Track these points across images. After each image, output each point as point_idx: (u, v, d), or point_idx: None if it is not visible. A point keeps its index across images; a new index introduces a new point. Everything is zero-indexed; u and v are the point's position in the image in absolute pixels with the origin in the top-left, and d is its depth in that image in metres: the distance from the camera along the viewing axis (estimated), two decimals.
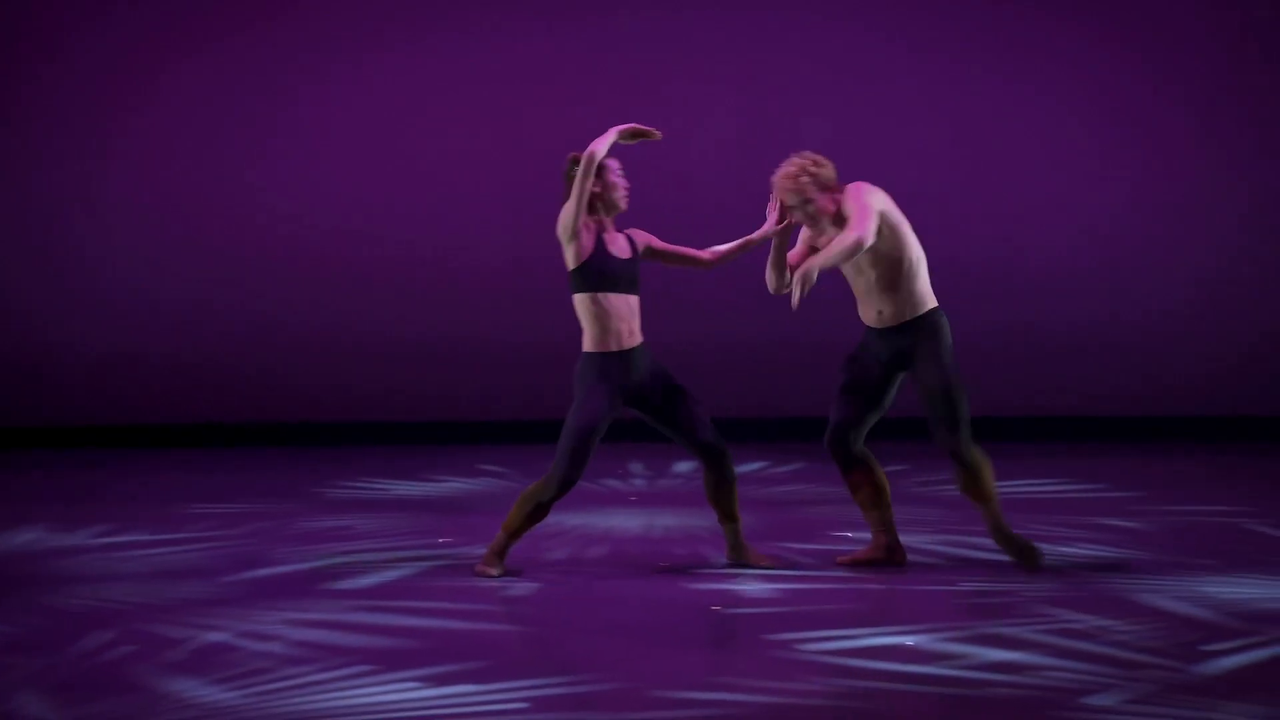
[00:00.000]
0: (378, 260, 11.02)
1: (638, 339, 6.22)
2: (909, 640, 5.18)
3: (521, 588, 6.07)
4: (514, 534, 6.24)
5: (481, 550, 6.40)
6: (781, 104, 11.01)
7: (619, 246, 6.22)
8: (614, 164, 6.23)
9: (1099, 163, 11.06)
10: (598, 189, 6.16)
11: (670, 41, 11.04)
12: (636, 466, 9.46)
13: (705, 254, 6.40)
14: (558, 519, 7.59)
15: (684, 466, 9.45)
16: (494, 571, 6.20)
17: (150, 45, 11.02)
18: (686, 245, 6.44)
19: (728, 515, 6.36)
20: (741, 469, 9.33)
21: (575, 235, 6.14)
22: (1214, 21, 10.98)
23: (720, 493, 6.31)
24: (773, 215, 6.29)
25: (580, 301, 6.19)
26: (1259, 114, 11.01)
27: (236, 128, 11.02)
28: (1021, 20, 11.01)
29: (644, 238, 6.34)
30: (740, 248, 6.40)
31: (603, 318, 6.15)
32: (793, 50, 11.04)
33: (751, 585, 6.08)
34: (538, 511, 6.20)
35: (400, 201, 11.05)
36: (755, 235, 6.35)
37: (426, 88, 11.05)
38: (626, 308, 6.17)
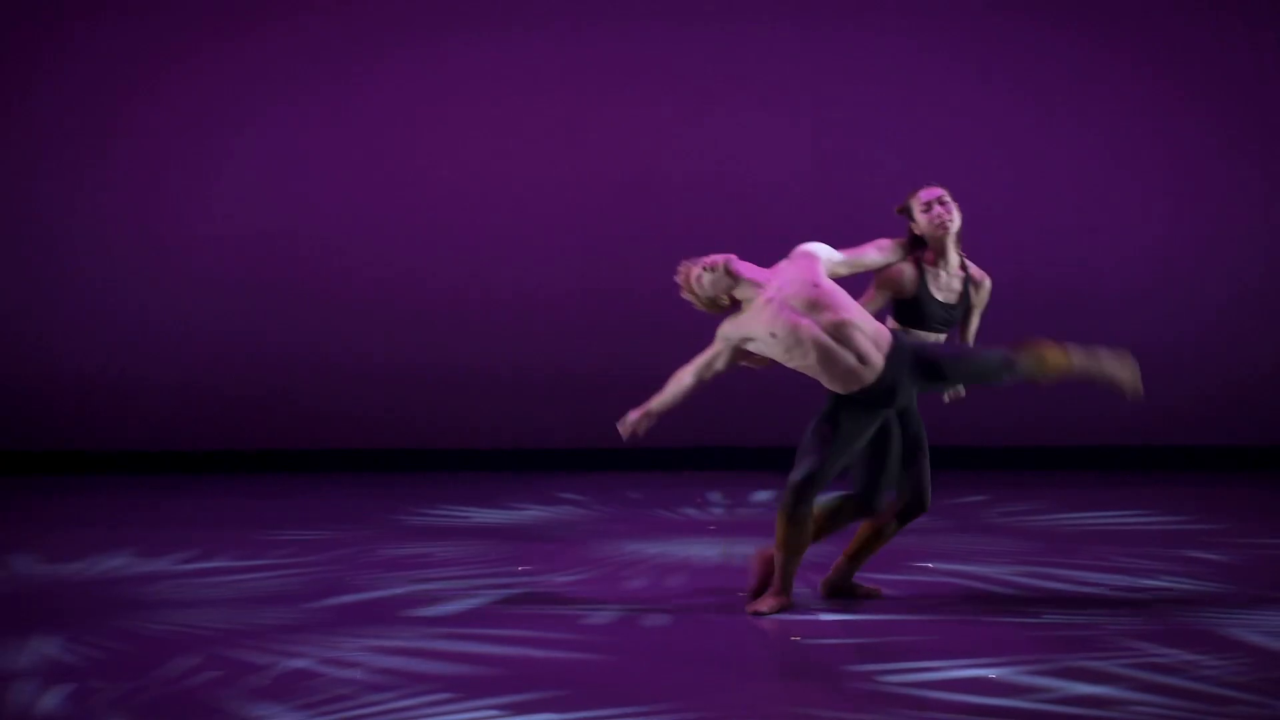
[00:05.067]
0: (437, 289, 11.07)
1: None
2: (991, 673, 5.13)
3: (600, 617, 6.07)
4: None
5: (559, 578, 6.38)
6: (826, 122, 10.99)
7: None
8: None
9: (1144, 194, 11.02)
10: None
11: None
12: (715, 495, 9.44)
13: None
14: (637, 547, 7.60)
15: (762, 495, 9.42)
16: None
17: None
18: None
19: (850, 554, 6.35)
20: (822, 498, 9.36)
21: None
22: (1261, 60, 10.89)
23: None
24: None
25: None
26: None
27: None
28: (1071, 49, 10.96)
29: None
30: None
31: None
32: (835, 66, 11.03)
33: (831, 615, 6.04)
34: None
35: (449, 227, 11.09)
36: None
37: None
38: None
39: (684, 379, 6.12)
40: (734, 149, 11.00)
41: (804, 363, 5.99)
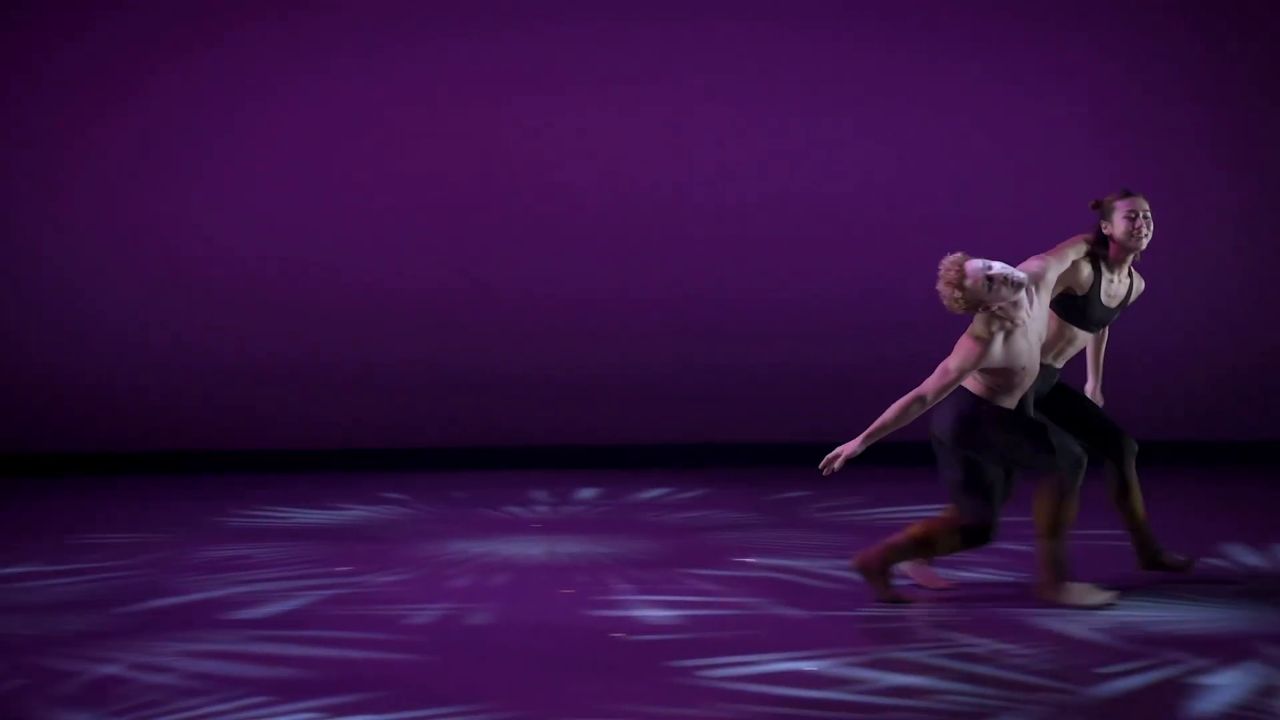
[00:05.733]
0: (274, 282, 10.90)
1: None
2: (810, 665, 5.20)
3: (422, 617, 6.03)
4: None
5: (381, 578, 6.34)
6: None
7: None
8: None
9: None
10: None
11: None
12: (539, 494, 9.44)
13: None
14: (461, 547, 7.57)
15: (587, 493, 9.44)
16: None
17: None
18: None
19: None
20: (643, 495, 9.41)
21: None
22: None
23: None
24: None
25: None
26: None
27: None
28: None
29: None
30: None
31: None
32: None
33: (654, 612, 6.08)
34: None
35: (312, 224, 10.92)
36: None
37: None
38: None
39: (926, 398, 5.96)
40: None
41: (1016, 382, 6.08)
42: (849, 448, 5.90)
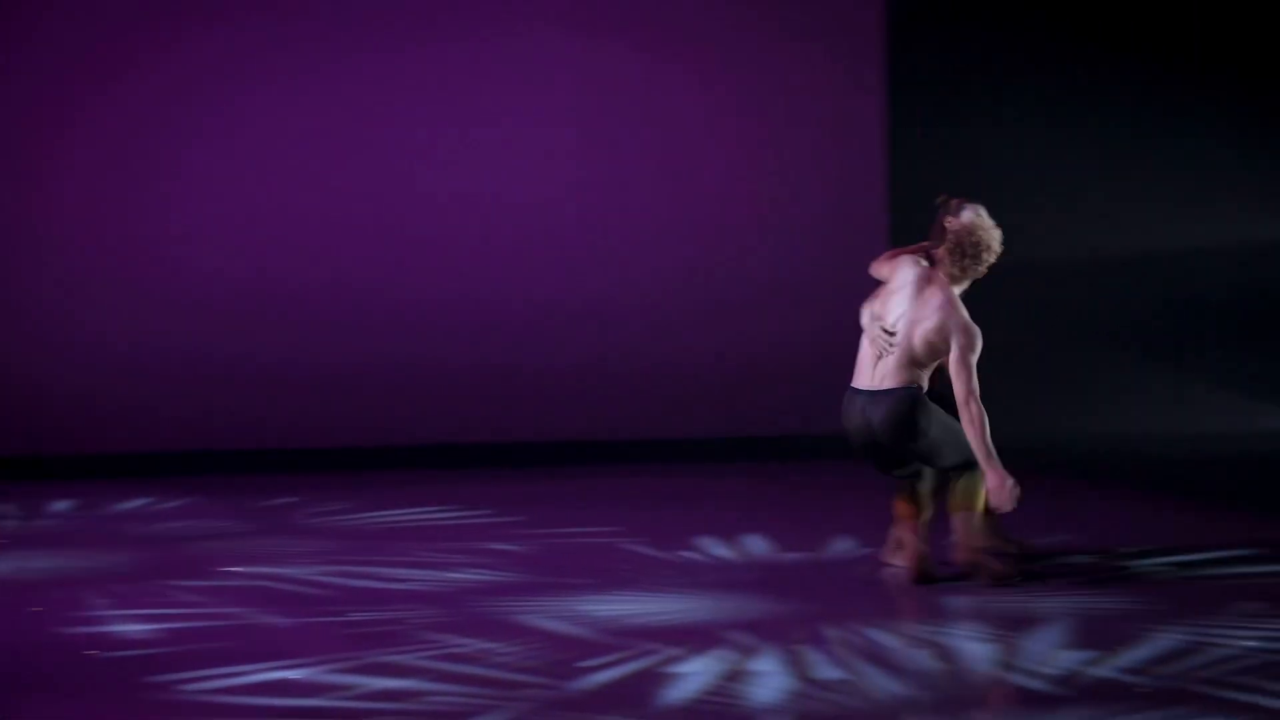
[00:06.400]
0: None
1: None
2: (294, 674, 5.14)
3: None
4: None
5: None
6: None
7: None
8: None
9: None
10: None
11: None
12: (9, 507, 8.95)
13: None
14: None
15: (61, 505, 9.02)
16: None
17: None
18: None
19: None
20: (121, 506, 9.05)
21: None
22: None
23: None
24: None
25: None
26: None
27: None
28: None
29: None
30: None
31: None
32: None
33: (132, 626, 5.87)
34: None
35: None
36: None
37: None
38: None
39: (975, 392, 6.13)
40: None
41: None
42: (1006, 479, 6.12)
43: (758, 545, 7.45)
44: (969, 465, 6.29)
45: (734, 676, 5.06)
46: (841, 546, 7.32)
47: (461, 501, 9.11)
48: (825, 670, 5.13)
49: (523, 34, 11.23)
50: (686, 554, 7.29)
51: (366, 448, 11.15)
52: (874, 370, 6.41)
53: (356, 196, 11.12)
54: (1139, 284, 11.45)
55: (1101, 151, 11.55)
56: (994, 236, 6.42)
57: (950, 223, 6.42)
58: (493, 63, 11.23)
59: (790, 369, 11.32)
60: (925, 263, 6.54)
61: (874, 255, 11.10)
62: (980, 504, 6.35)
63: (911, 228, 11.26)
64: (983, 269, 6.41)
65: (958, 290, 6.42)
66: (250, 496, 9.34)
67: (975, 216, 6.43)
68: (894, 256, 6.70)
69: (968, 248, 6.36)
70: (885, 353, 6.36)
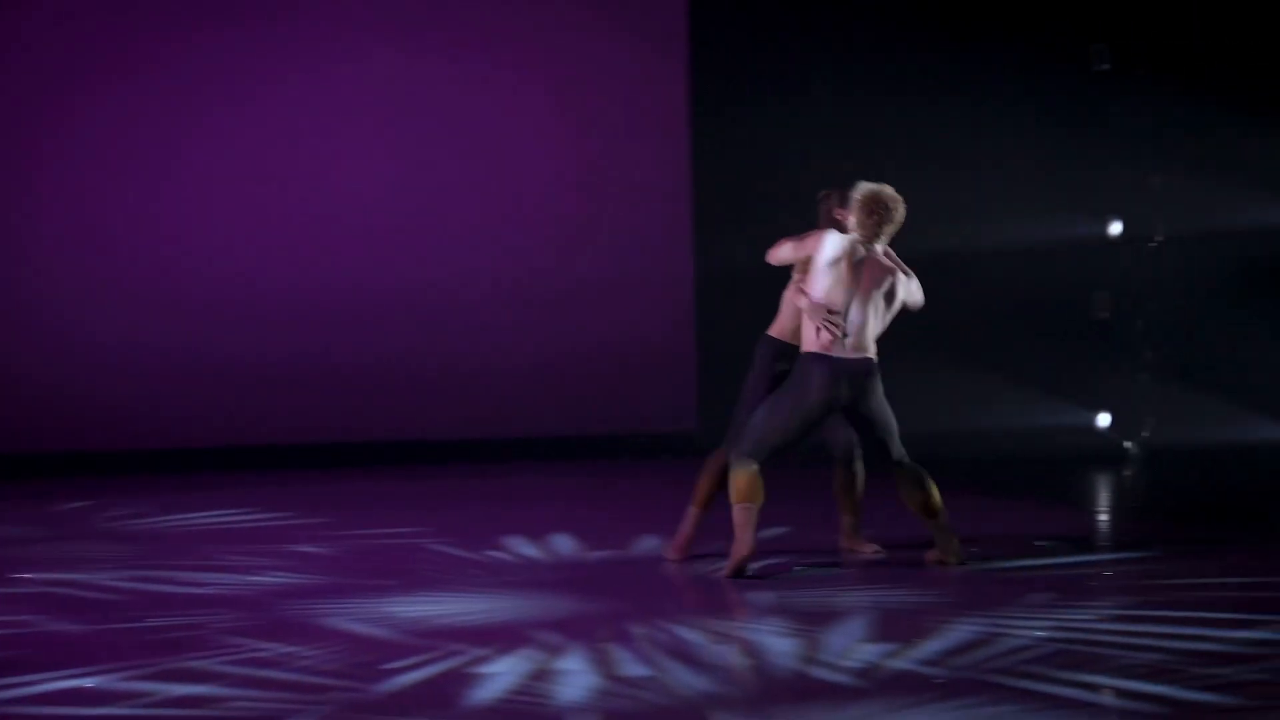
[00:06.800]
0: None
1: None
2: (89, 682, 5.02)
3: None
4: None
5: None
6: None
7: None
8: None
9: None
10: None
11: None
12: None
13: None
14: None
15: None
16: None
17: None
18: None
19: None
20: None
21: None
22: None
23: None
24: None
25: None
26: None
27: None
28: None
29: None
30: None
31: None
32: None
33: None
34: None
35: None
36: None
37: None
38: None
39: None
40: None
41: None
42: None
43: (565, 545, 7.47)
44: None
45: (541, 676, 5.07)
46: (648, 545, 7.38)
47: (265, 504, 9.00)
48: (631, 668, 5.16)
49: (338, 37, 11.19)
50: (494, 554, 7.28)
51: (167, 449, 10.95)
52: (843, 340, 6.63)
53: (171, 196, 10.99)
54: (936, 284, 11.71)
55: (902, 153, 11.81)
56: (891, 190, 6.67)
57: (852, 197, 6.64)
58: (306, 64, 11.16)
59: (600, 368, 11.39)
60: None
61: (682, 254, 11.30)
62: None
63: (716, 220, 11.50)
64: (899, 217, 6.66)
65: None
66: (44, 500, 9.13)
67: (867, 185, 6.66)
68: (793, 241, 6.76)
69: (877, 206, 6.61)
70: (837, 338, 6.50)
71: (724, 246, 11.07)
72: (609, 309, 11.42)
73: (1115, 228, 11.15)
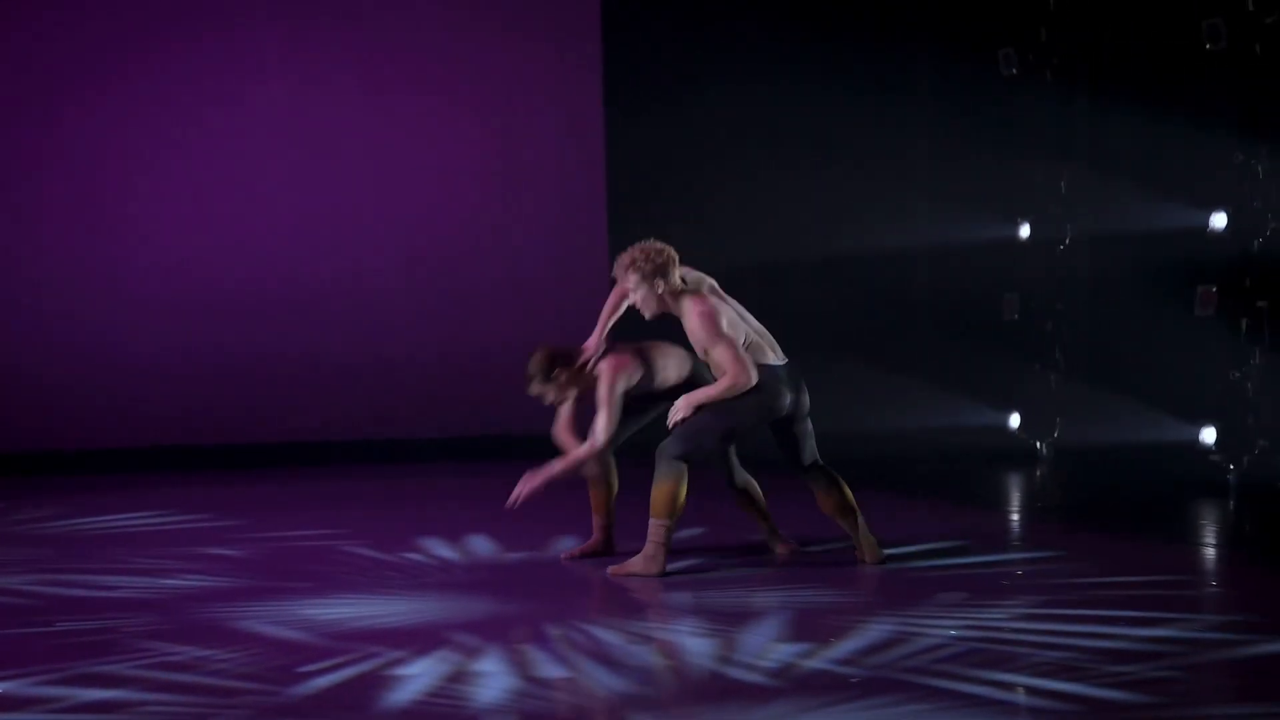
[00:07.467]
0: None
1: None
2: None
3: None
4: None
5: None
6: None
7: None
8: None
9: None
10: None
11: None
12: None
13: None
14: None
15: None
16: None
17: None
18: None
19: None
20: None
21: None
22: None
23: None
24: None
25: None
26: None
27: None
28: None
29: None
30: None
31: None
32: None
33: None
34: None
35: None
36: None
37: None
38: None
39: None
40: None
41: None
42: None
43: (481, 545, 7.47)
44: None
45: (457, 678, 5.07)
46: (564, 545, 7.39)
47: (180, 506, 8.94)
48: (548, 668, 5.18)
49: (239, 33, 11.16)
50: (409, 555, 7.27)
51: (84, 450, 10.87)
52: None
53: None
54: (848, 285, 11.84)
55: (812, 153, 11.91)
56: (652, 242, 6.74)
57: (633, 256, 6.68)
58: (207, 60, 11.13)
59: (513, 368, 11.41)
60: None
61: (596, 254, 11.30)
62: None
63: (630, 222, 11.56)
64: (675, 268, 6.66)
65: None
66: None
67: (631, 249, 6.73)
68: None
69: (657, 257, 6.62)
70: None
71: (640, 235, 11.17)
72: (529, 303, 11.47)
73: (1024, 230, 11.28)
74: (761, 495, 7.14)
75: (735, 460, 7.07)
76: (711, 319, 6.54)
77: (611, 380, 6.72)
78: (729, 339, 6.54)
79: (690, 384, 6.81)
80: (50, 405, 10.84)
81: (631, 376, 6.76)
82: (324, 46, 11.34)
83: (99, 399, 10.91)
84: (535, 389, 6.90)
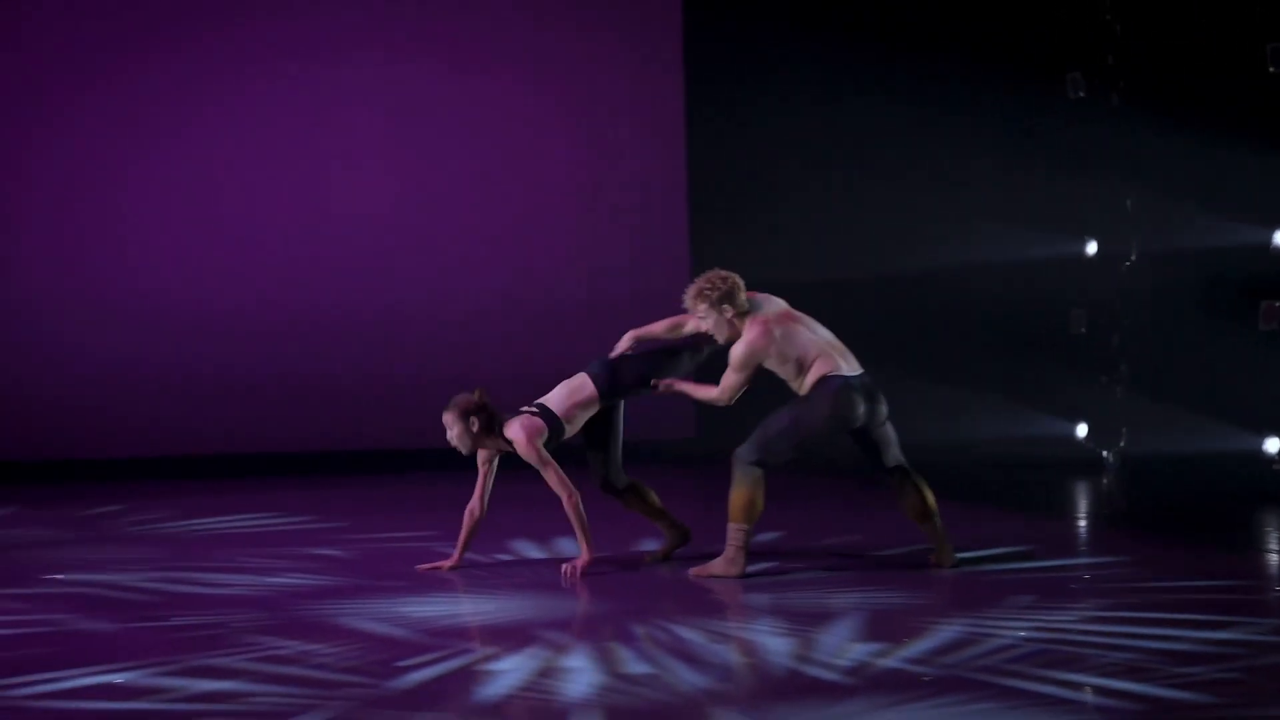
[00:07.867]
0: None
1: None
2: (119, 678, 5.20)
3: None
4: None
5: None
6: None
7: None
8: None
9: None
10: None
11: None
12: None
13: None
14: None
15: None
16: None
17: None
18: None
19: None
20: None
21: None
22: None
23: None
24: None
25: None
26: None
27: None
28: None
29: None
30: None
31: None
32: None
33: None
34: None
35: None
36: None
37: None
38: None
39: None
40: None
41: None
42: None
43: (569, 547, 7.62)
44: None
45: (547, 673, 5.21)
46: (649, 548, 7.55)
47: (283, 508, 9.16)
48: (634, 665, 5.30)
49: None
50: (501, 556, 7.45)
51: (193, 456, 11.13)
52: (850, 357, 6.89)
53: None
54: (924, 300, 11.91)
55: (890, 168, 11.98)
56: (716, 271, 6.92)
57: (699, 286, 6.87)
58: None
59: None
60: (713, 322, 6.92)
61: (679, 262, 11.36)
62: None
63: (710, 229, 11.68)
64: (741, 292, 6.85)
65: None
66: (72, 505, 9.32)
67: (697, 280, 6.92)
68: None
69: (722, 284, 6.81)
70: None
71: (720, 250, 11.28)
72: (610, 317, 11.62)
73: (1091, 247, 11.36)
74: (651, 491, 7.29)
75: (618, 463, 7.22)
76: (766, 335, 6.75)
77: (528, 444, 6.92)
78: (742, 378, 6.79)
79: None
80: (160, 416, 11.11)
81: (543, 435, 6.92)
82: (398, 58, 11.49)
83: (205, 411, 11.16)
84: (447, 421, 6.94)
